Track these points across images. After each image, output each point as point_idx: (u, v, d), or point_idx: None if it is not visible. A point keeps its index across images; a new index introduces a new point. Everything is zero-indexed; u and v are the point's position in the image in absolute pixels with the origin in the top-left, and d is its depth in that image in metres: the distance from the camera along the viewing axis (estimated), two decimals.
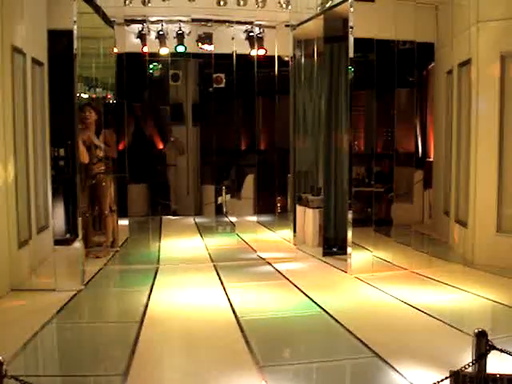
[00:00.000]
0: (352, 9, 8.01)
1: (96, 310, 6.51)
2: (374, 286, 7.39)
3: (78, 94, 7.62)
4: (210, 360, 4.96)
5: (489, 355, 3.41)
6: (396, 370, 4.60)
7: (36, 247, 7.78)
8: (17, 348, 5.02)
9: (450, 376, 3.39)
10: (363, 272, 7.96)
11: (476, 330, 3.44)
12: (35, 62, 7.89)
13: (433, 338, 5.51)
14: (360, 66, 8.21)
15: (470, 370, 3.38)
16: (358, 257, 8.15)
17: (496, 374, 3.36)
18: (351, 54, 8.07)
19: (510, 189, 8.34)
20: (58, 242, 7.51)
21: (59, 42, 7.38)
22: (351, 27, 8.02)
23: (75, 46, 7.27)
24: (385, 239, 8.67)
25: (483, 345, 3.39)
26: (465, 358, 3.76)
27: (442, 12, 8.84)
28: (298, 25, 10.44)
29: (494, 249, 8.31)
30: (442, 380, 3.38)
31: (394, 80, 8.41)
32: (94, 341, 5.47)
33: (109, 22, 10.08)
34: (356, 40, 8.03)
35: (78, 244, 7.34)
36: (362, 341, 5.29)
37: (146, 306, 6.51)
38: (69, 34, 7.25)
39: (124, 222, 10.53)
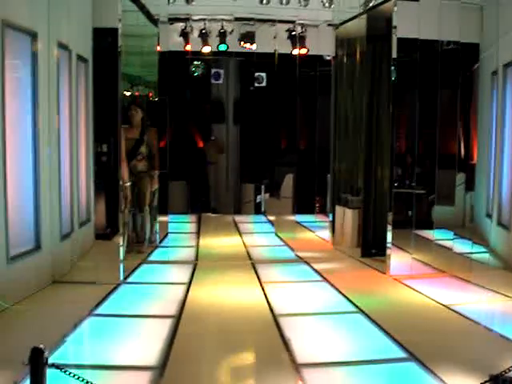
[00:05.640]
0: (396, 8, 7.95)
1: (134, 303, 6.59)
2: (412, 287, 7.32)
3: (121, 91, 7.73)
4: (247, 357, 4.98)
5: None
6: (434, 372, 4.54)
7: (78, 240, 7.92)
8: (57, 338, 5.12)
9: (490, 380, 3.34)
10: (402, 274, 7.89)
11: None
12: (80, 58, 8.03)
13: (472, 342, 5.44)
14: (403, 66, 8.14)
15: (510, 374, 3.32)
16: (397, 258, 8.08)
17: None
18: (394, 54, 8.01)
19: None
20: (98, 236, 7.64)
21: (104, 39, 7.51)
22: (394, 27, 7.95)
23: (119, 43, 7.39)
24: (425, 241, 8.56)
25: None
26: (505, 363, 3.70)
27: (488, 12, 8.71)
28: (341, 24, 10.40)
29: None
30: None
31: (438, 81, 8.31)
32: (132, 334, 5.54)
33: (153, 20, 10.19)
34: (399, 40, 7.96)
35: (118, 238, 7.46)
36: (398, 342, 5.25)
37: (184, 301, 6.58)
38: (113, 31, 7.38)
39: (164, 219, 10.63)
